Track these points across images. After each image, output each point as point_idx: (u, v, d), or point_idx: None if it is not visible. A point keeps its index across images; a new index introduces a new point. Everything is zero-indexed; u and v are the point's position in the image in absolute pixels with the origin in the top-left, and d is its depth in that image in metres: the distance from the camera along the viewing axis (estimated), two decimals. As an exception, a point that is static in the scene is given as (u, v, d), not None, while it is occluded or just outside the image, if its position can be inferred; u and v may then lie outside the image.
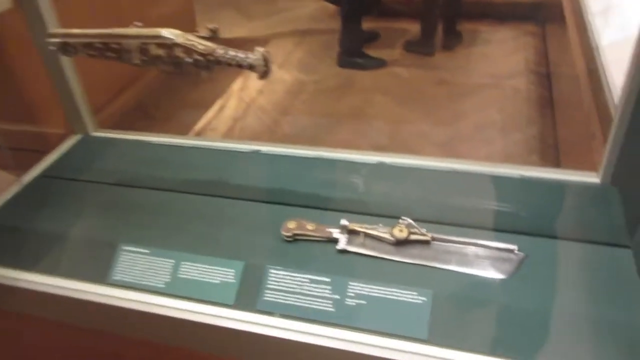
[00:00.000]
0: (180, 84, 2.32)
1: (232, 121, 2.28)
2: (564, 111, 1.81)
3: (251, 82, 2.55)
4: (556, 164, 1.75)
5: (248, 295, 0.96)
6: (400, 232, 1.08)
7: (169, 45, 0.83)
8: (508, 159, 1.81)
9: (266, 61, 0.85)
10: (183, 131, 2.14)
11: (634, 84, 0.97)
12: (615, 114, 1.05)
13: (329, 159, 1.29)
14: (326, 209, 1.15)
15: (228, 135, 2.27)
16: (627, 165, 1.05)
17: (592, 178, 1.15)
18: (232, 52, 0.85)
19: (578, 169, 1.18)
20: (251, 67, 0.85)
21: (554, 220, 1.08)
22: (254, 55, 0.84)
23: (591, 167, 1.17)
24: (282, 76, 2.56)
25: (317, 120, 2.25)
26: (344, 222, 1.06)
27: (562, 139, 1.78)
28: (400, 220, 1.08)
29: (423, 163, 1.25)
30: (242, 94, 2.45)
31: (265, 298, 0.97)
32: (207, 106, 2.40)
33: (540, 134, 1.91)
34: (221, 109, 2.35)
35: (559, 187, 1.14)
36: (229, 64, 0.88)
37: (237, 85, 2.50)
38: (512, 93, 2.19)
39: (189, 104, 2.31)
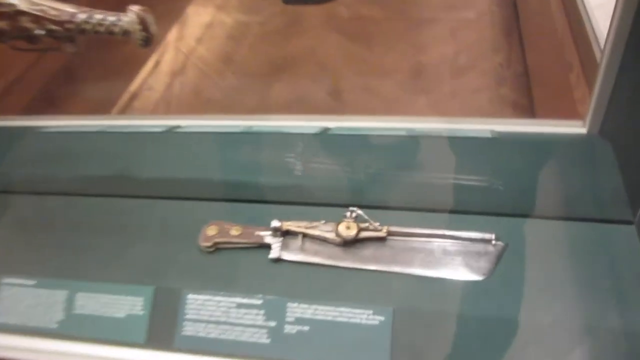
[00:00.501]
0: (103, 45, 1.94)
1: (170, 77, 2.08)
2: (533, 38, 1.71)
3: (188, 30, 2.28)
4: (528, 95, 1.61)
5: (162, 330, 0.87)
6: (347, 230, 0.96)
7: (11, 14, 0.74)
8: (476, 93, 1.70)
9: (144, 24, 0.77)
10: (110, 104, 1.94)
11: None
12: (605, 43, 0.89)
13: (261, 132, 1.16)
14: (257, 202, 1.04)
15: (167, 94, 2.08)
16: (621, 110, 0.92)
17: (576, 128, 1.03)
18: (98, 16, 0.76)
19: (555, 105, 1.18)
20: (125, 34, 0.77)
21: (535, 192, 0.98)
22: (127, 18, 0.76)
23: (570, 104, 1.15)
24: (222, 19, 2.29)
25: (265, 67, 2.05)
26: (275, 223, 0.96)
27: (533, 68, 1.65)
28: (347, 214, 0.97)
29: (375, 125, 1.14)
30: (179, 44, 2.16)
31: (185, 333, 0.88)
32: (140, 63, 2.11)
33: (507, 60, 1.78)
34: (157, 64, 2.12)
35: (539, 144, 1.03)
36: (97, 32, 0.82)
37: (172, 35, 2.24)
38: (475, 18, 1.91)
39: (116, 70, 2.02)
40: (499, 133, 1.04)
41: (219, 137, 1.11)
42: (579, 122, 1.03)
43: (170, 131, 1.13)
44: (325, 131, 1.10)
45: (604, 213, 0.90)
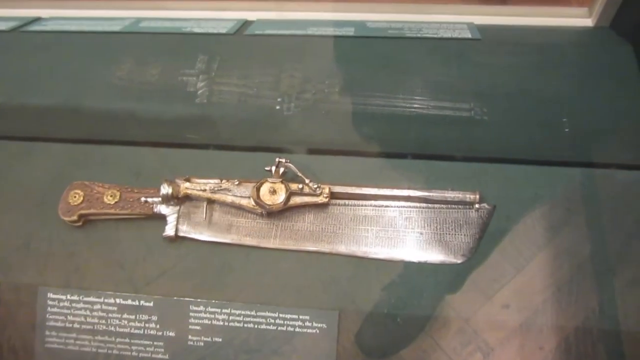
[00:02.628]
0: None
1: None
2: None
3: None
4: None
5: (17, 341, 0.77)
6: (272, 195, 0.82)
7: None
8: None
9: None
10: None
11: None
12: None
13: (147, 31, 1.03)
14: (138, 144, 0.92)
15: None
16: None
17: (581, 19, 0.95)
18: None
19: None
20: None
21: (532, 125, 0.88)
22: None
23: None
24: None
25: None
26: (165, 189, 0.81)
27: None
28: (272, 168, 0.83)
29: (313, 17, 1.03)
30: None
31: (48, 345, 0.77)
32: None
33: None
34: None
35: (535, 43, 0.94)
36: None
37: None
38: None
39: None
40: (483, 29, 0.97)
41: (82, 37, 1.02)
42: (583, 11, 0.96)
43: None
44: (241, 29, 1.01)
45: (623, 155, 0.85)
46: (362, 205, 0.85)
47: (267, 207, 0.82)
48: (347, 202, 0.85)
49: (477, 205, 0.82)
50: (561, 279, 0.78)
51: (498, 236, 0.82)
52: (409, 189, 0.83)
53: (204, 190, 0.84)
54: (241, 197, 0.83)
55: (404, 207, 0.84)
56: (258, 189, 0.83)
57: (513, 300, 0.78)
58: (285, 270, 0.82)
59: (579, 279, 0.78)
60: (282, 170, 0.84)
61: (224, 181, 0.84)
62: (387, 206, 0.84)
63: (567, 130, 0.88)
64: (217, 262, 0.83)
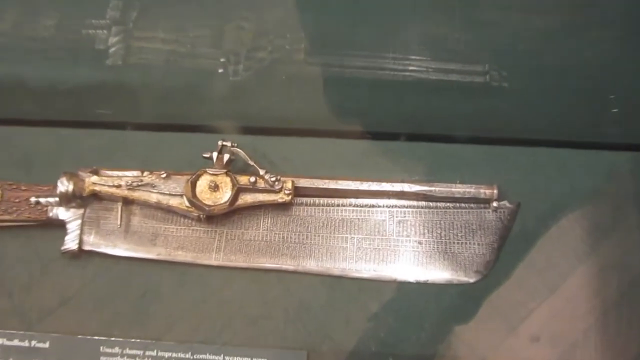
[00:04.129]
0: None
1: None
2: None
3: None
4: None
5: None
6: (213, 192, 0.83)
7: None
8: None
9: None
10: None
11: None
12: None
13: None
14: (39, 123, 0.95)
15: None
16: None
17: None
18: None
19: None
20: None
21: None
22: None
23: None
24: None
25: None
26: (64, 184, 0.83)
27: None
28: (213, 155, 0.84)
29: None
30: None
31: None
32: None
33: None
34: None
35: None
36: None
37: None
38: None
39: None
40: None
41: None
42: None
43: None
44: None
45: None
46: (338, 206, 0.87)
47: (207, 208, 0.83)
48: (317, 200, 0.87)
49: (495, 204, 0.84)
50: (608, 300, 0.79)
51: (523, 245, 0.84)
52: (403, 182, 0.85)
53: (119, 187, 0.84)
54: (170, 195, 0.84)
55: (396, 207, 0.86)
56: (194, 184, 0.83)
57: (545, 330, 0.79)
58: (233, 296, 0.84)
59: (630, 299, 0.79)
60: (227, 157, 0.85)
61: (146, 173, 0.85)
62: (373, 206, 0.86)
63: (612, 97, 0.90)
64: (139, 286, 0.85)
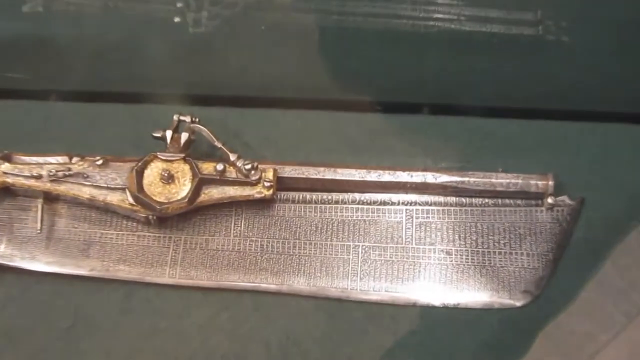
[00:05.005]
0: None
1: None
2: None
3: None
4: None
5: None
6: (167, 185, 0.80)
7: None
8: None
9: None
10: None
11: None
12: None
13: None
14: None
15: None
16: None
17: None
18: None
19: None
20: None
21: None
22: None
23: None
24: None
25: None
26: None
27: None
28: (170, 134, 0.82)
29: None
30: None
31: None
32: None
33: None
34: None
35: None
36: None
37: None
38: None
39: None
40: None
41: None
42: None
43: None
44: None
45: None
46: (338, 203, 0.85)
47: (159, 207, 0.80)
48: (309, 196, 0.86)
49: (550, 200, 0.82)
50: None
51: (589, 255, 0.83)
52: (425, 171, 0.83)
53: (39, 178, 0.82)
54: (109, 188, 0.82)
55: (416, 204, 0.84)
56: (140, 174, 0.81)
57: (622, 373, 0.77)
58: (194, 327, 0.82)
59: None
60: (185, 137, 0.83)
61: (76, 159, 0.83)
62: (385, 203, 0.85)
63: None
64: (66, 314, 0.83)
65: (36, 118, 0.92)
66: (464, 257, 0.82)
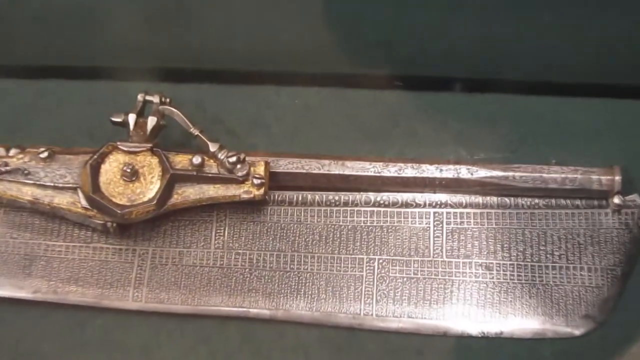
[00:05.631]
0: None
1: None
2: None
3: None
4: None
5: None
6: (130, 183, 0.78)
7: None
8: None
9: None
10: None
11: None
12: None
13: None
14: None
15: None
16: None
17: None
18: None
19: None
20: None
21: None
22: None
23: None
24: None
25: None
26: None
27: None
28: (133, 119, 0.79)
29: None
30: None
31: None
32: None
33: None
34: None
35: None
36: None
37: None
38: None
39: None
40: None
41: None
42: None
43: None
44: None
45: None
46: (347, 205, 0.82)
47: (120, 211, 0.77)
48: (310, 196, 0.82)
49: (617, 200, 0.78)
50: None
51: None
52: (458, 163, 0.80)
53: None
54: (56, 188, 0.79)
55: (447, 206, 0.81)
56: (96, 170, 0.78)
57: None
58: None
59: None
60: (152, 122, 0.79)
61: (14, 151, 0.81)
62: (407, 204, 0.81)
63: None
64: (3, 346, 0.80)
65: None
66: (508, 273, 0.78)
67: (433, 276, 0.79)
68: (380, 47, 0.92)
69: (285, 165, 0.79)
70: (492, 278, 0.78)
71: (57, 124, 0.86)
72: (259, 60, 0.90)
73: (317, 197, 0.81)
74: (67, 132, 0.84)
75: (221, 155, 0.77)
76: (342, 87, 0.91)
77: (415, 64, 0.92)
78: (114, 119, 0.78)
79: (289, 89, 0.90)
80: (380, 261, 0.79)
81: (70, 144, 0.81)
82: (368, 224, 0.80)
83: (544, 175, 0.78)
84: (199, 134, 0.78)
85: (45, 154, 0.79)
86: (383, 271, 0.79)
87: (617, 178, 0.77)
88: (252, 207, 0.81)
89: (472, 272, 0.79)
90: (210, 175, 0.78)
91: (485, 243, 0.80)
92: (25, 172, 0.79)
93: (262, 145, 0.83)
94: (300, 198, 0.81)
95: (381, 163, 0.79)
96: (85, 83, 0.90)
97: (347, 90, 0.92)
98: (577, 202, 0.79)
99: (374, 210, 0.80)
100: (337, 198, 0.80)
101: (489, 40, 0.91)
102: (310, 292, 0.78)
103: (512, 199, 0.80)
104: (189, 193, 0.77)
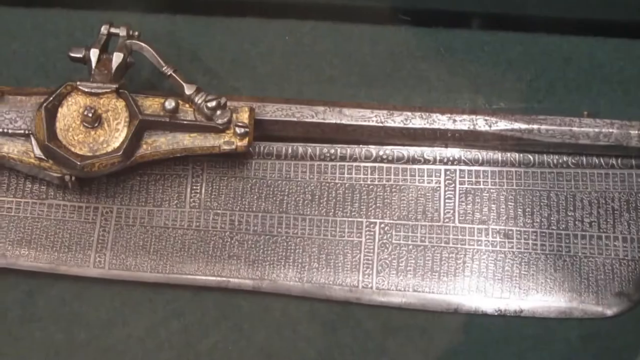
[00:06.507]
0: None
1: None
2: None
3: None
4: None
5: None
6: (93, 131, 0.78)
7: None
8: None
9: None
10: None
11: None
12: None
13: None
14: None
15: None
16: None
17: None
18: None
19: None
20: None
21: None
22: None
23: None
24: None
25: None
26: None
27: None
28: (94, 54, 0.79)
29: None
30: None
31: None
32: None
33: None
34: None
35: None
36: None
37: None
38: None
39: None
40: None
41: None
42: None
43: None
44: None
45: None
46: (344, 159, 0.81)
47: (79, 163, 0.75)
48: (302, 149, 0.81)
49: None
50: None
51: None
52: (474, 113, 0.78)
53: None
54: (5, 134, 0.78)
55: (460, 162, 0.79)
56: (52, 113, 0.76)
57: None
58: (132, 341, 0.77)
59: None
60: (118, 59, 0.77)
61: None
62: (414, 160, 0.80)
63: None
64: None
65: None
66: (529, 242, 0.76)
67: (443, 244, 0.77)
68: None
69: (273, 112, 0.77)
70: (512, 247, 0.77)
71: (4, 59, 0.80)
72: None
73: (309, 150, 0.79)
74: (17, 69, 0.80)
75: (198, 99, 0.75)
76: (340, 21, 0.86)
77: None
78: (72, 54, 0.76)
79: (278, 22, 0.87)
80: (382, 225, 0.78)
81: (21, 82, 0.77)
82: (368, 182, 0.78)
83: (574, 129, 0.76)
84: (173, 74, 0.75)
85: (-6, 92, 0.77)
86: (385, 237, 0.78)
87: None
88: (233, 160, 0.79)
89: (488, 240, 0.77)
90: (185, 122, 0.75)
91: (504, 207, 0.78)
92: (-30, 114, 0.79)
93: (246, 88, 0.81)
94: (289, 151, 0.80)
95: (385, 111, 0.76)
96: (39, 11, 0.86)
97: (344, 24, 0.89)
98: (612, 161, 0.77)
99: (375, 167, 0.79)
100: (332, 151, 0.78)
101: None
102: (300, 261, 0.76)
103: (536, 155, 0.78)
104: (160, 143, 0.76)
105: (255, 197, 0.78)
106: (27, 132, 0.76)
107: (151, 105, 0.75)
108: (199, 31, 0.85)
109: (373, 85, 0.80)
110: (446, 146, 0.78)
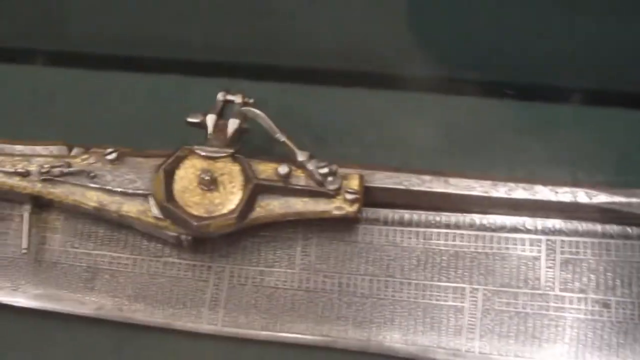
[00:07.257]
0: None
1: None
2: None
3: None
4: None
5: None
6: (208, 193, 0.82)
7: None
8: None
9: None
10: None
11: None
12: None
13: None
14: None
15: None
16: None
17: None
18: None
19: None
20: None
21: None
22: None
23: None
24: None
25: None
26: None
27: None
28: (212, 119, 0.84)
29: None
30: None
31: None
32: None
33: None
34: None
35: None
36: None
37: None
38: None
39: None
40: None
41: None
42: None
43: None
44: None
45: None
46: (449, 227, 0.83)
47: (196, 223, 0.79)
48: (407, 216, 0.83)
49: None
50: None
51: None
52: (575, 187, 0.80)
53: (25, 176, 0.82)
54: (124, 194, 0.82)
55: (561, 233, 0.81)
56: (170, 175, 0.81)
57: None
58: None
59: None
60: (234, 125, 0.82)
61: (76, 150, 0.84)
62: (516, 230, 0.82)
63: None
64: None
65: (19, 89, 0.93)
66: (628, 311, 0.78)
67: (544, 311, 0.79)
68: (486, 49, 0.90)
69: (382, 179, 0.80)
70: (610, 317, 0.78)
71: (123, 121, 0.84)
72: (350, 59, 0.88)
73: (414, 217, 0.82)
74: (134, 132, 0.83)
75: (311, 166, 0.78)
76: (444, 93, 0.86)
77: (526, 71, 0.90)
78: (190, 120, 0.80)
79: (384, 92, 0.88)
80: (485, 292, 0.80)
81: (140, 145, 0.79)
82: (472, 249, 0.81)
83: (668, 199, 0.73)
84: (286, 140, 0.79)
85: (113, 156, 0.80)
86: (488, 303, 0.80)
87: None
88: (342, 225, 0.82)
89: (587, 309, 0.79)
90: (297, 187, 0.79)
91: (603, 277, 0.79)
92: (91, 174, 0.80)
93: (353, 156, 0.81)
94: (396, 217, 0.82)
95: (489, 182, 0.80)
96: (154, 76, 0.87)
97: (448, 97, 0.91)
98: None
99: (478, 235, 0.81)
100: (437, 219, 0.81)
101: (614, 45, 0.85)
102: (405, 323, 0.79)
103: (635, 228, 0.79)
104: (273, 206, 0.79)
105: (362, 260, 0.81)
106: (145, 192, 0.80)
107: (265, 170, 0.79)
108: (310, 99, 0.87)
109: (475, 157, 0.82)
110: (547, 217, 0.80)
